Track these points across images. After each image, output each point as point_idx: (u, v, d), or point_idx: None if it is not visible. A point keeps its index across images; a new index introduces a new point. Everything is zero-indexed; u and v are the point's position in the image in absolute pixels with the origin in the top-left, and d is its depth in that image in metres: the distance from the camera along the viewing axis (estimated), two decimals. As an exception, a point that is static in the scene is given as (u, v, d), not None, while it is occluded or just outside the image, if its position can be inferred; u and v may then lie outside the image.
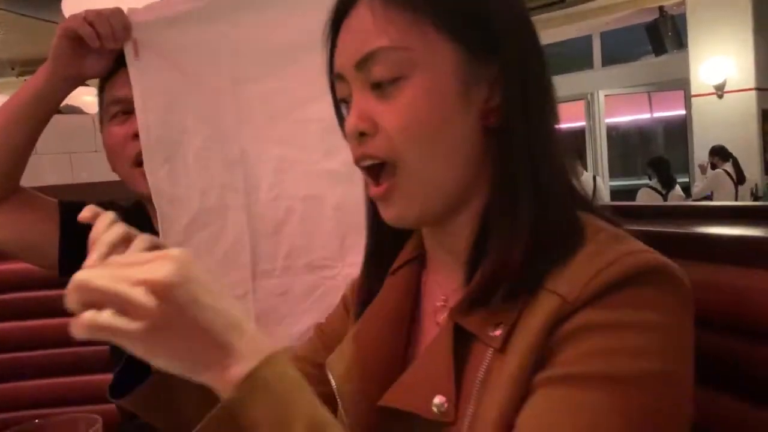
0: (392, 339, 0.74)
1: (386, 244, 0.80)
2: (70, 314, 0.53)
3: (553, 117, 0.67)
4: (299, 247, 1.16)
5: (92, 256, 0.64)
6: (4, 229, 1.18)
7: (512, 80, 0.65)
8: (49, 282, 1.33)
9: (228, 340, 0.54)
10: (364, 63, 0.66)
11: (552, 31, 7.59)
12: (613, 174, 9.06)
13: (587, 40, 8.92)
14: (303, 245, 1.16)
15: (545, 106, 0.67)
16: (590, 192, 0.72)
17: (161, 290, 0.51)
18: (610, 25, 8.42)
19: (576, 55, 9.10)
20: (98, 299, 0.51)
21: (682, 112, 8.37)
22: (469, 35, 0.65)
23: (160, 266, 0.52)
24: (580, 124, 9.05)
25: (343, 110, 0.73)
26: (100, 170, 2.33)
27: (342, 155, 0.84)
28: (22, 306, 1.55)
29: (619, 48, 8.97)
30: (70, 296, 0.52)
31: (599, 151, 8.94)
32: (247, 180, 1.14)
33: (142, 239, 0.67)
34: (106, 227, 0.68)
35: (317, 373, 0.82)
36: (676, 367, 0.58)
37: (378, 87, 0.66)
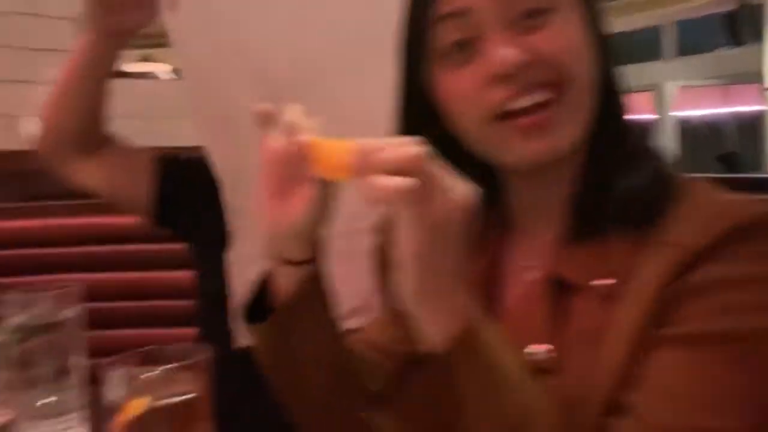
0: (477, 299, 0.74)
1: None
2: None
3: None
4: (362, 209, 1.16)
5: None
6: (101, 179, 1.24)
7: (608, 45, 0.69)
8: (143, 236, 1.39)
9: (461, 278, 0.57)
10: None
11: (625, 19, 7.37)
12: (682, 169, 8.75)
13: (658, 29, 8.63)
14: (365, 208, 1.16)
15: None
16: None
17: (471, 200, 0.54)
18: (685, 14, 8.13)
19: (646, 45, 8.82)
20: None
21: (759, 107, 8.02)
22: None
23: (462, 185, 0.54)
24: (648, 116, 8.79)
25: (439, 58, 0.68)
26: (178, 135, 2.40)
27: None
28: (117, 258, 1.63)
29: (693, 38, 8.64)
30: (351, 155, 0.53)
31: (667, 145, 8.68)
32: None
33: None
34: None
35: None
36: None
37: (522, 18, 0.63)
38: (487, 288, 0.74)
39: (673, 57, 8.66)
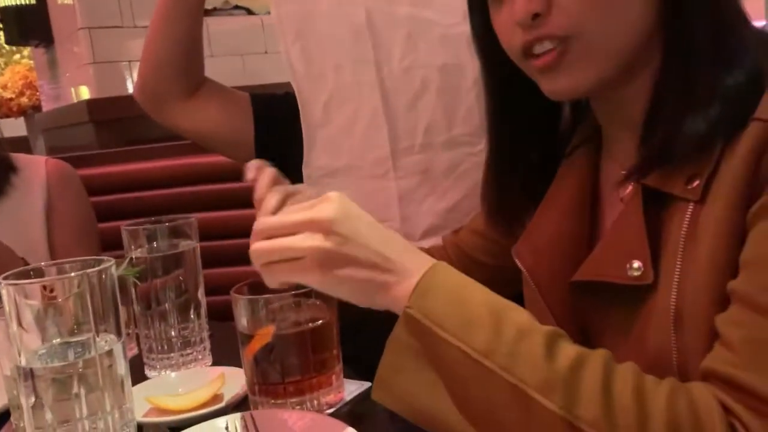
0: (577, 219, 0.73)
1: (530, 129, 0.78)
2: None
3: None
4: (438, 122, 1.08)
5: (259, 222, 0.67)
6: (202, 118, 1.21)
7: None
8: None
9: (393, 260, 0.59)
10: None
11: None
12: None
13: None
14: (442, 120, 1.08)
15: None
16: None
17: (327, 227, 0.58)
18: None
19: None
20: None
21: None
22: None
23: (323, 207, 0.59)
24: (758, 23, 8.08)
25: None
26: (270, 72, 2.39)
27: None
28: (220, 197, 1.62)
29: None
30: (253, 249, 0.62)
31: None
32: (377, 50, 1.06)
33: (303, 194, 0.75)
34: (266, 187, 0.77)
35: (490, 246, 0.90)
36: None
37: None
38: (592, 205, 0.74)
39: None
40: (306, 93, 1.10)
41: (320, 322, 0.73)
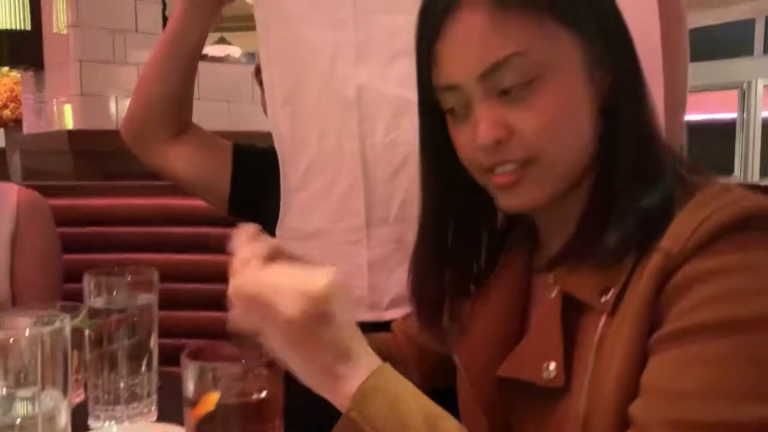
0: (509, 316, 0.76)
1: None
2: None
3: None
4: (414, 197, 1.11)
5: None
6: (183, 162, 1.24)
7: (621, 54, 0.67)
8: (216, 219, 1.40)
9: (351, 356, 0.61)
10: (491, 72, 0.65)
11: (711, 12, 7.02)
12: (766, 174, 8.33)
13: (747, 25, 8.19)
14: (418, 195, 1.13)
15: (644, 82, 0.68)
16: None
17: (314, 297, 0.58)
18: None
19: (732, 41, 8.40)
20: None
21: None
22: (583, 20, 0.66)
23: (317, 278, 0.59)
24: (730, 115, 8.36)
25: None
26: (256, 119, 2.44)
27: None
28: (190, 240, 1.64)
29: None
30: (232, 299, 0.63)
31: (751, 148, 8.23)
32: (362, 123, 1.08)
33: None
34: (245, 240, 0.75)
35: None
36: None
37: (506, 93, 0.65)
38: (525, 302, 0.77)
39: (762, 53, 8.19)
40: (288, 156, 1.13)
41: (265, 393, 0.74)
